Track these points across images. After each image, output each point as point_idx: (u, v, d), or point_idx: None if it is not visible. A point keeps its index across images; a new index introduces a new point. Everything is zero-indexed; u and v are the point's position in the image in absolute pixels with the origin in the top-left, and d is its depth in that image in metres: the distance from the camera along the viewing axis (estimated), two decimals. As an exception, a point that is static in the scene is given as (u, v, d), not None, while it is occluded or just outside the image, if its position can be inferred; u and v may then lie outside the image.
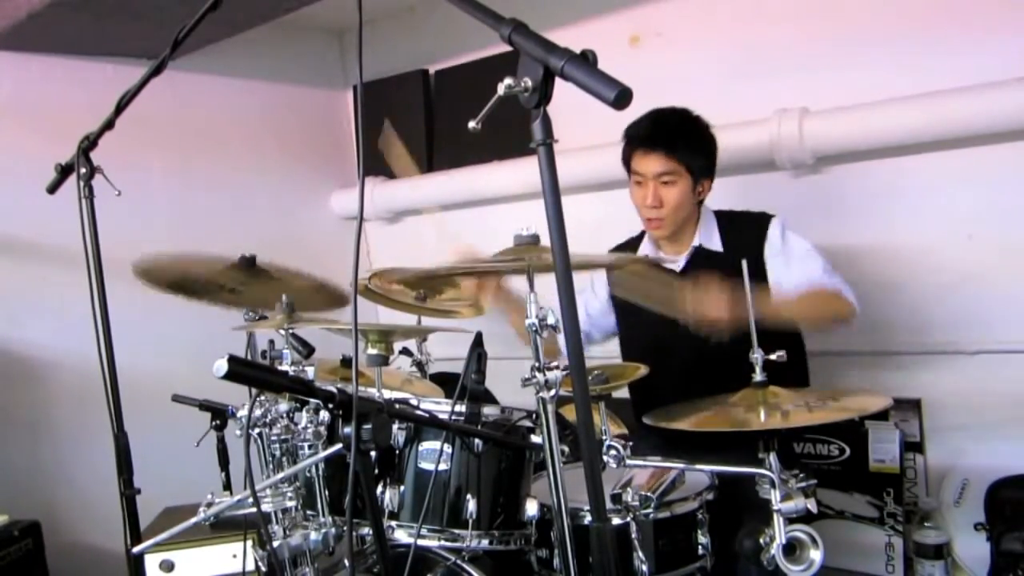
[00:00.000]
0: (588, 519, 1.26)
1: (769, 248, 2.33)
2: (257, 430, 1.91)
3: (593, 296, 2.63)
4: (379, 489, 1.76)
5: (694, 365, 2.30)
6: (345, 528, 1.79)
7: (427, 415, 1.77)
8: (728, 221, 2.42)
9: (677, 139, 2.30)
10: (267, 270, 2.27)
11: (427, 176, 3.76)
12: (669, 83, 2.91)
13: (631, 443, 1.80)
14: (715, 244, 2.38)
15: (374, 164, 3.84)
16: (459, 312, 2.77)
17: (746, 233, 2.36)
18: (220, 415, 2.33)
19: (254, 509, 1.58)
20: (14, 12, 2.65)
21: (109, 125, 1.99)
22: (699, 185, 2.33)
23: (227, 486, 2.45)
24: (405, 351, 2.68)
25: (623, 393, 2.52)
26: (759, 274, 2.27)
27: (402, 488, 1.79)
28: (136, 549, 1.87)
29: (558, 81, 1.12)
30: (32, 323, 2.97)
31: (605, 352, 2.66)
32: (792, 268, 2.31)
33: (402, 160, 2.36)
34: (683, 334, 2.29)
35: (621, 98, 1.05)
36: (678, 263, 2.40)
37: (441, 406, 1.81)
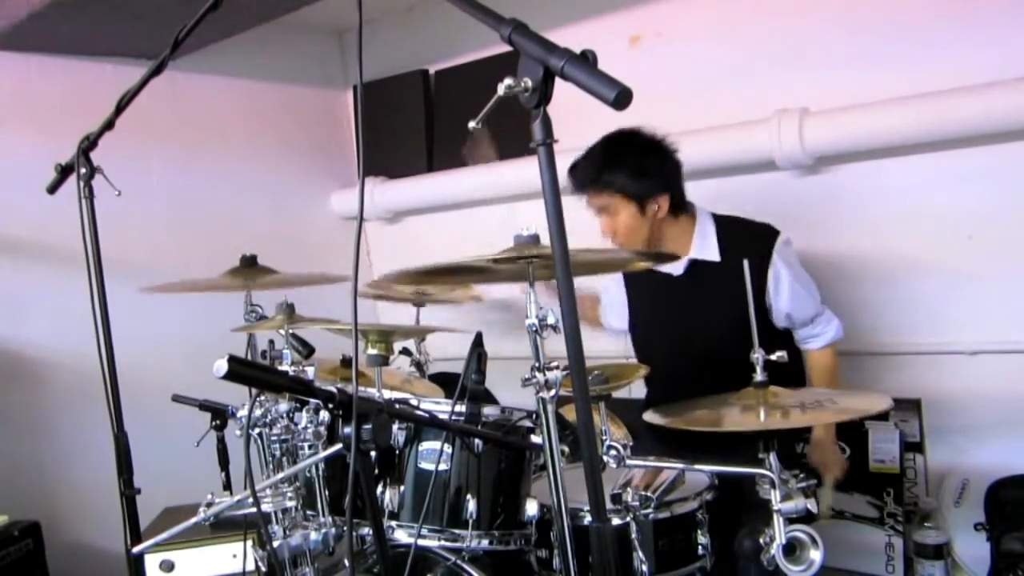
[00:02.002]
0: (588, 519, 1.26)
1: (772, 274, 2.33)
2: (257, 430, 1.91)
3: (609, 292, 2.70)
4: (379, 489, 1.76)
5: (704, 365, 2.31)
6: (345, 528, 1.79)
7: (427, 415, 1.77)
8: (729, 229, 2.40)
9: (600, 173, 2.29)
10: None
11: (427, 176, 3.76)
12: (669, 83, 2.93)
13: (631, 443, 1.80)
14: (712, 254, 2.37)
15: (374, 164, 3.87)
16: (459, 300, 2.79)
17: (749, 244, 2.31)
18: (220, 415, 2.33)
19: (254, 509, 1.58)
20: (14, 12, 2.65)
21: (109, 125, 1.99)
22: (651, 204, 2.31)
23: (227, 486, 2.45)
24: (405, 351, 2.68)
25: (623, 393, 2.52)
26: (760, 284, 2.28)
27: (402, 488, 1.79)
28: (136, 549, 1.87)
29: (558, 81, 1.12)
30: (32, 323, 2.97)
31: (605, 352, 2.66)
32: (782, 296, 2.33)
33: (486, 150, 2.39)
34: (693, 336, 2.31)
35: (621, 98, 1.05)
36: (677, 269, 2.41)
37: (441, 406, 1.81)
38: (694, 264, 2.38)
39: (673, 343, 2.47)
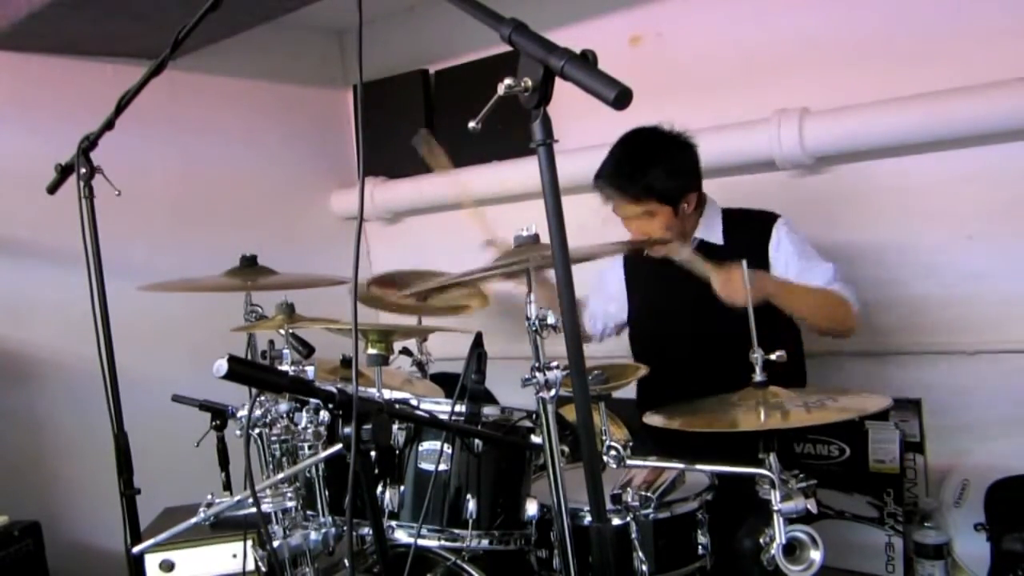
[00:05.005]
0: (588, 519, 1.26)
1: (774, 245, 2.32)
2: (257, 430, 1.91)
3: (602, 292, 2.65)
4: (379, 489, 1.76)
5: (701, 361, 2.30)
6: (345, 528, 1.79)
7: (427, 415, 1.77)
8: (733, 217, 2.42)
9: (640, 179, 2.25)
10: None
11: (427, 176, 3.76)
12: (669, 83, 2.92)
13: (631, 443, 1.80)
14: (716, 237, 2.38)
15: (374, 164, 3.86)
16: (465, 307, 2.77)
17: (750, 230, 2.36)
18: (220, 415, 2.33)
19: (254, 509, 1.58)
20: (14, 12, 2.65)
21: (109, 125, 2.00)
22: (683, 202, 2.31)
23: (227, 486, 2.45)
24: (405, 351, 2.68)
25: (623, 393, 2.51)
26: (763, 264, 2.28)
27: (402, 488, 1.79)
28: (136, 549, 1.87)
29: (558, 81, 1.12)
30: (32, 323, 2.97)
31: (605, 352, 2.66)
32: (791, 268, 2.29)
33: (439, 160, 2.36)
34: (692, 328, 2.29)
35: (621, 98, 1.05)
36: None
37: (441, 406, 1.81)
38: (699, 247, 2.37)
39: (673, 330, 2.45)
